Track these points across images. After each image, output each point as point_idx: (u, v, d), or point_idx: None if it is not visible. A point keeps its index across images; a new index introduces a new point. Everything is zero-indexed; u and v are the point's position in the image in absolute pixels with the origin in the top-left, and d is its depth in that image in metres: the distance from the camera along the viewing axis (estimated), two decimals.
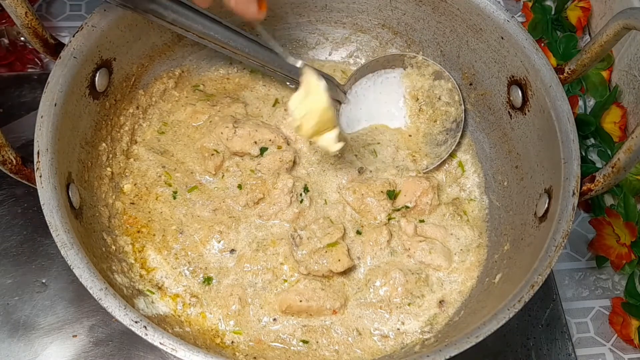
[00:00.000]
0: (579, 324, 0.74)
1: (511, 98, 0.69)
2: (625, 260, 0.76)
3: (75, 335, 0.66)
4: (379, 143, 0.74)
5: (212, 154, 0.69)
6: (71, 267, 0.50)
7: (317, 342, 0.63)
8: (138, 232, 0.65)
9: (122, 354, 0.65)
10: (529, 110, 0.67)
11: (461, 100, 0.74)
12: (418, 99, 0.75)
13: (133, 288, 0.59)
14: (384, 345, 0.63)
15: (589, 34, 0.96)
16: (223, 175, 0.69)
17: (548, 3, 0.97)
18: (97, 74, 0.62)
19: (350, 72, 0.78)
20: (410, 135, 0.75)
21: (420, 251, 0.67)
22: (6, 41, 0.83)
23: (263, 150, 0.69)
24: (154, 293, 0.61)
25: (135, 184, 0.68)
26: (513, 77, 0.68)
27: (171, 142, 0.72)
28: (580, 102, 0.89)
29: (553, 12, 0.95)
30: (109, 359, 0.65)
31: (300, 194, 0.69)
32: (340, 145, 0.65)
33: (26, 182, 0.55)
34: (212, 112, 0.72)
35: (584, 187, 0.58)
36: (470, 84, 0.74)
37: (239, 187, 0.69)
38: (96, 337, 0.66)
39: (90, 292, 0.49)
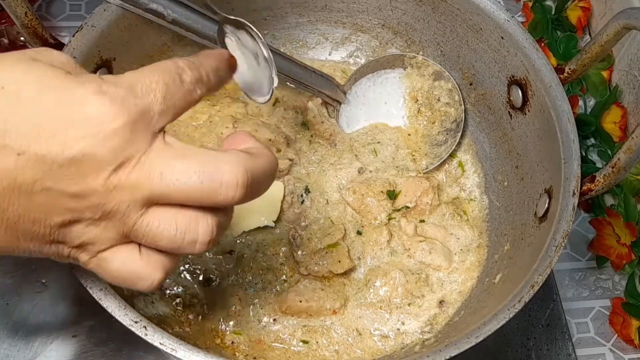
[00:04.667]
0: (579, 324, 0.74)
1: (511, 98, 0.69)
2: (625, 260, 0.76)
3: (75, 336, 0.66)
4: (379, 142, 0.74)
5: None
6: (71, 267, 0.50)
7: (317, 342, 0.63)
8: None
9: (122, 354, 0.65)
10: (529, 110, 0.67)
11: (461, 101, 0.74)
12: (417, 100, 0.75)
13: None
14: (384, 345, 0.63)
15: (589, 34, 0.96)
16: None
17: (548, 3, 0.97)
18: (97, 74, 0.62)
19: (350, 72, 0.78)
20: (409, 135, 0.75)
21: (421, 251, 0.67)
22: (6, 41, 0.82)
23: None
24: (153, 293, 0.61)
25: None
26: (513, 77, 0.68)
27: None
28: (580, 102, 0.89)
29: (553, 12, 0.95)
30: (109, 359, 0.65)
31: (301, 195, 0.69)
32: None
33: None
34: (212, 112, 0.72)
35: (584, 187, 0.58)
36: (471, 84, 0.74)
37: None
38: (96, 337, 0.66)
39: (90, 292, 0.49)
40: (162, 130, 0.38)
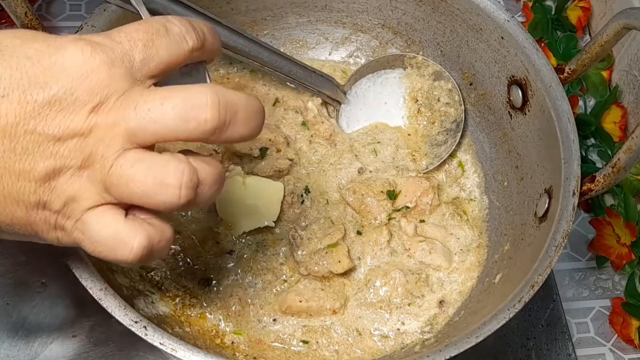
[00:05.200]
0: (579, 324, 0.74)
1: (511, 98, 0.69)
2: (625, 260, 0.76)
3: (75, 335, 0.66)
4: (379, 142, 0.74)
5: (212, 154, 0.69)
6: (71, 267, 0.50)
7: (317, 342, 0.62)
8: None
9: (122, 354, 0.65)
10: (529, 110, 0.67)
11: (461, 101, 0.74)
12: (417, 101, 0.75)
13: (133, 288, 0.59)
14: (384, 345, 0.63)
15: (589, 34, 0.96)
16: None
17: (548, 3, 0.97)
18: None
19: (350, 72, 0.78)
20: (409, 135, 0.75)
21: (421, 251, 0.67)
22: None
23: (264, 150, 0.69)
24: (153, 293, 0.61)
25: None
26: (513, 77, 0.68)
27: (171, 143, 0.71)
28: (580, 102, 0.89)
29: (553, 12, 0.95)
30: (109, 359, 0.65)
31: (301, 195, 0.69)
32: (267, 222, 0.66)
33: None
34: None
35: (584, 187, 0.58)
36: (471, 84, 0.74)
37: None
38: (96, 337, 0.66)
39: (90, 292, 0.49)
40: (147, 79, 0.37)
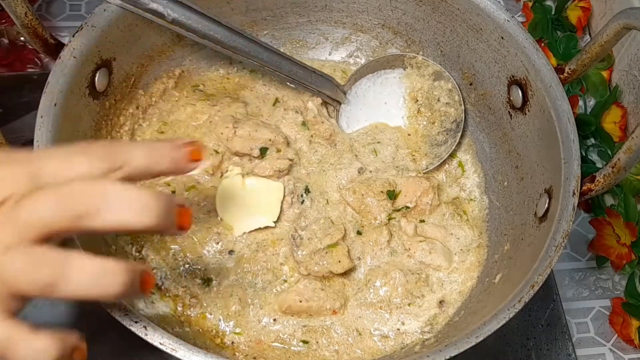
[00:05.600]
0: (579, 324, 0.74)
1: (511, 98, 0.69)
2: (625, 260, 0.76)
3: None
4: (379, 142, 0.74)
5: (212, 154, 0.69)
6: None
7: (317, 342, 0.63)
8: None
9: (122, 354, 0.65)
10: (529, 110, 0.67)
11: (461, 101, 0.74)
12: (417, 101, 0.75)
13: None
14: (384, 345, 0.63)
15: (589, 34, 0.96)
16: (222, 175, 0.69)
17: (548, 3, 0.97)
18: (97, 74, 0.62)
19: (350, 72, 0.78)
20: (409, 135, 0.75)
21: (421, 251, 0.67)
22: (6, 41, 0.83)
23: (264, 150, 0.69)
24: (153, 293, 0.61)
25: None
26: (513, 77, 0.68)
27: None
28: (580, 102, 0.89)
29: (553, 12, 0.95)
30: (109, 359, 0.65)
31: (301, 195, 0.69)
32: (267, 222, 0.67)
33: None
34: (212, 112, 0.72)
35: (584, 187, 0.58)
36: (471, 84, 0.74)
37: None
38: (96, 337, 0.66)
39: None
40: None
